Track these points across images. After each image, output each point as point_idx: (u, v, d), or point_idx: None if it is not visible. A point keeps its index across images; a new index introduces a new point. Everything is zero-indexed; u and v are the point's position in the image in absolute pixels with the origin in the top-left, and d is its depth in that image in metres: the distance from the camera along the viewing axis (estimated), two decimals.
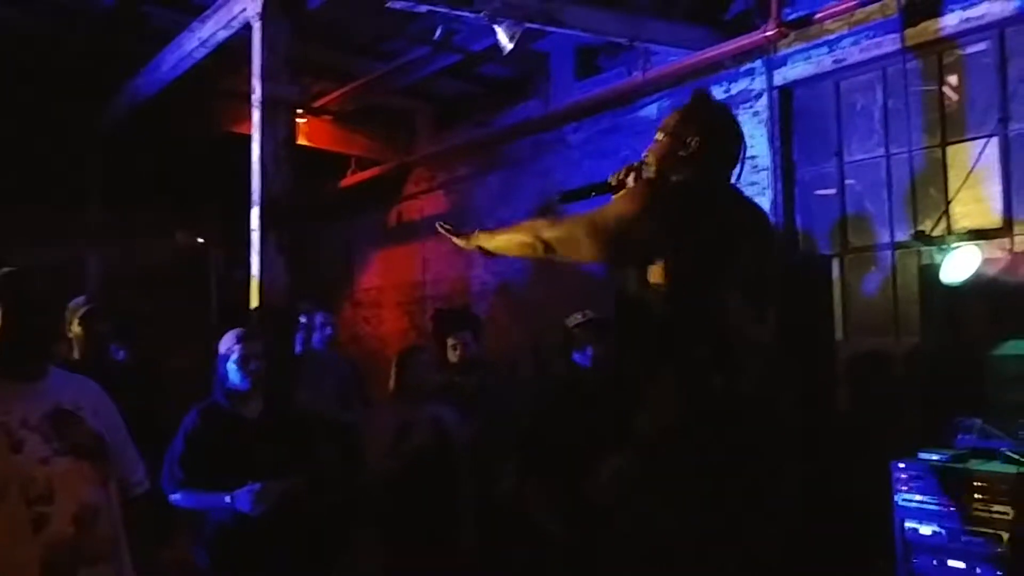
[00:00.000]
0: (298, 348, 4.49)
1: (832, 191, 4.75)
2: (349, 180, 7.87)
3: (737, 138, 2.68)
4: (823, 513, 3.87)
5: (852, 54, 4.50)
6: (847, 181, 4.70)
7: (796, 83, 4.83)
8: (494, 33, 4.52)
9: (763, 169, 4.86)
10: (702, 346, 2.43)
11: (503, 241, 2.73)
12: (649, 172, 2.66)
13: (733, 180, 2.70)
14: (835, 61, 4.58)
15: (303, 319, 4.61)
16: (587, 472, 3.75)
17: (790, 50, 4.75)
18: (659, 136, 2.66)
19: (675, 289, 2.42)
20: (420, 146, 7.44)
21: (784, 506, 2.54)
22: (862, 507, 3.71)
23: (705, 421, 2.39)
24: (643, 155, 2.69)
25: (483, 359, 4.62)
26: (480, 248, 2.77)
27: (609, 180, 2.76)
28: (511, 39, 4.42)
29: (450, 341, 4.34)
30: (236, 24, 4.51)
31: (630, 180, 2.70)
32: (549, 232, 2.56)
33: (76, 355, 3.80)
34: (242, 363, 3.44)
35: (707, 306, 2.46)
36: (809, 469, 3.33)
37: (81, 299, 3.88)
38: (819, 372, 4.37)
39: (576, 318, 4.36)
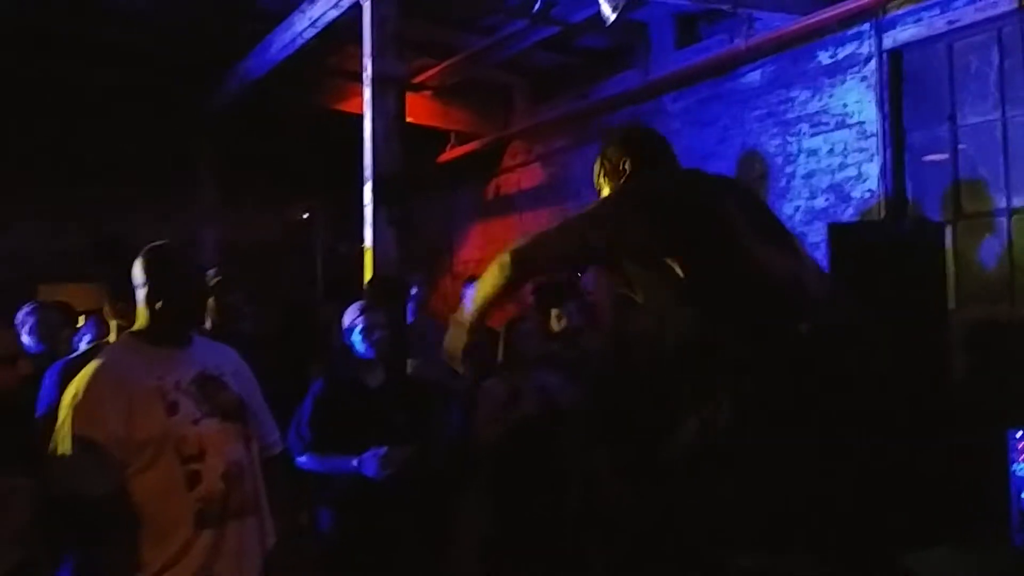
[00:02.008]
0: (410, 318, 4.61)
1: (944, 156, 4.63)
2: (448, 155, 8.00)
3: (659, 143, 2.84)
4: (935, 484, 3.82)
5: (966, 15, 4.36)
6: (960, 146, 4.57)
7: (906, 46, 4.70)
8: (592, 4, 4.53)
9: (872, 135, 4.76)
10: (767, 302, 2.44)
11: (479, 292, 2.64)
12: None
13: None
14: (948, 23, 4.44)
15: (415, 290, 4.72)
16: (660, 438, 3.81)
17: (900, 12, 4.63)
18: (596, 167, 2.82)
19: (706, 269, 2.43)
20: (517, 119, 7.50)
21: (882, 468, 2.50)
22: (978, 477, 3.66)
23: (790, 372, 2.39)
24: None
25: (585, 329, 4.69)
26: (473, 318, 2.66)
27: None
28: (614, 9, 4.43)
29: (555, 312, 4.41)
30: (345, 3, 4.64)
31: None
32: (514, 246, 2.56)
33: (208, 325, 3.97)
34: (366, 333, 3.60)
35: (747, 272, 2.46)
36: (919, 437, 3.28)
37: (212, 271, 4.05)
38: (931, 341, 4.30)
39: None
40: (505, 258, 2.52)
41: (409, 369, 4.18)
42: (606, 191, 2.76)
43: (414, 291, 4.74)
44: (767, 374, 2.39)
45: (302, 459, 3.46)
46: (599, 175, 2.80)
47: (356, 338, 3.59)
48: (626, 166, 2.69)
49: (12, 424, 2.26)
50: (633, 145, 2.76)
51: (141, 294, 2.51)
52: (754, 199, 2.85)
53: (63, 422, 2.36)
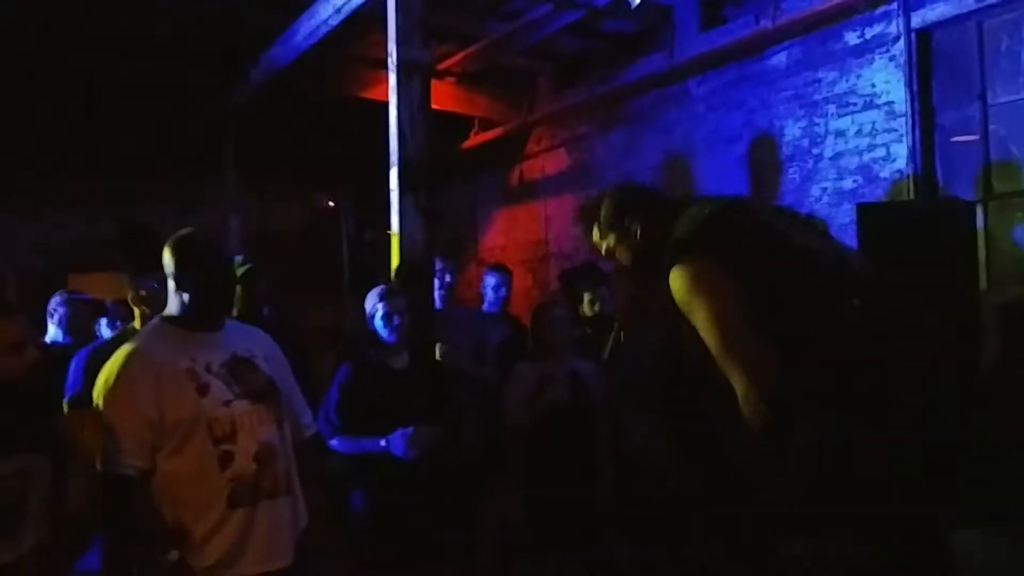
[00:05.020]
0: (440, 304, 4.61)
1: (974, 136, 4.57)
2: (472, 141, 8.00)
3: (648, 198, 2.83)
4: (967, 468, 3.79)
5: None
6: (990, 125, 4.51)
7: (935, 25, 4.64)
8: None
9: (900, 116, 4.71)
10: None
11: None
12: (627, 262, 2.79)
13: None
14: (977, 0, 4.38)
15: (448, 278, 4.71)
16: (725, 427, 3.80)
17: None
18: (605, 240, 2.81)
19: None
20: (541, 105, 7.48)
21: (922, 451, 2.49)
22: (1010, 460, 3.63)
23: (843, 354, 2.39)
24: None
25: (613, 314, 4.68)
26: None
27: None
28: None
29: (587, 296, 4.41)
30: None
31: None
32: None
33: (235, 312, 4.00)
34: (387, 319, 3.62)
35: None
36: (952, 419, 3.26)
37: (238, 258, 4.09)
38: (961, 322, 4.25)
39: None
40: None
41: (438, 354, 4.19)
42: (621, 254, 2.78)
43: (448, 279, 4.74)
44: (821, 352, 2.39)
45: (333, 442, 3.51)
46: (609, 239, 2.80)
47: (378, 323, 3.61)
48: (637, 228, 2.72)
49: (23, 410, 2.29)
50: (631, 205, 2.78)
51: (171, 281, 2.54)
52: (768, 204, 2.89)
53: (96, 405, 2.40)
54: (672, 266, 2.47)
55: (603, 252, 2.85)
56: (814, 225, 2.76)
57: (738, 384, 2.31)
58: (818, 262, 2.48)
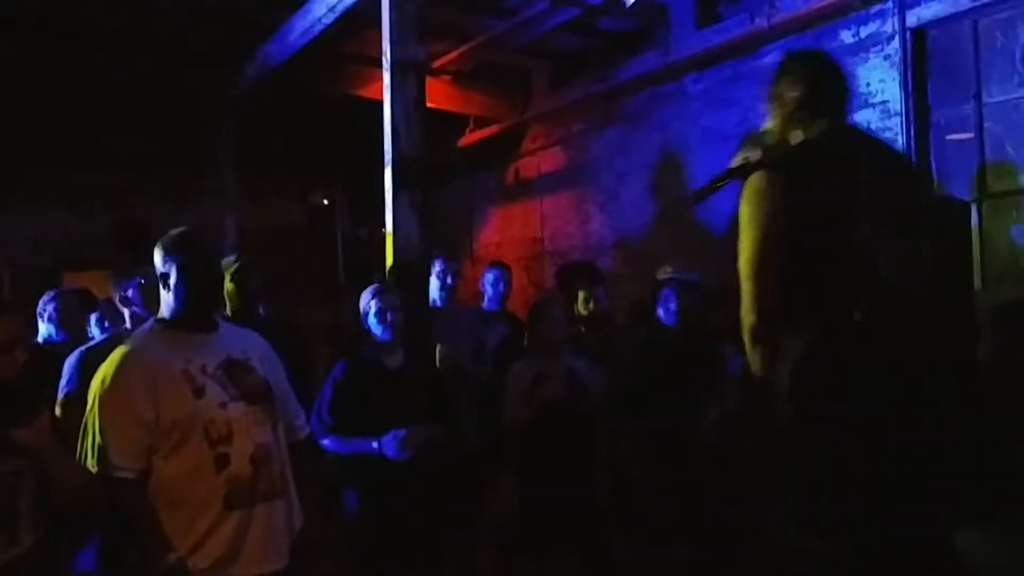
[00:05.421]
0: (441, 304, 4.61)
1: (970, 135, 4.57)
2: (467, 139, 7.99)
3: (835, 77, 2.69)
4: (965, 467, 3.80)
5: None
6: (985, 124, 4.51)
7: (930, 24, 4.64)
8: None
9: (895, 114, 4.71)
10: (839, 284, 2.45)
11: None
12: (769, 140, 2.69)
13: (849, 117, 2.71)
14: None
15: (450, 279, 4.70)
16: (684, 421, 3.84)
17: None
18: (767, 106, 2.73)
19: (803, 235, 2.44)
20: (537, 103, 7.47)
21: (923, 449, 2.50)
22: (1004, 461, 3.63)
23: (845, 354, 2.40)
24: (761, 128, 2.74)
25: (609, 314, 4.69)
26: None
27: (731, 166, 2.76)
28: None
29: (582, 295, 4.41)
30: None
31: (754, 155, 2.70)
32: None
33: (228, 311, 3.98)
34: (380, 316, 3.61)
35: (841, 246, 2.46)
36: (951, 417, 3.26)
37: (232, 257, 4.07)
38: (956, 321, 4.26)
39: (665, 272, 4.40)
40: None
41: (439, 354, 4.19)
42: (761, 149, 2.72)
43: (449, 280, 4.73)
44: (831, 342, 2.42)
45: (325, 441, 3.48)
46: (769, 119, 2.73)
47: (372, 321, 3.61)
48: (792, 99, 2.64)
49: (14, 411, 2.29)
50: (799, 79, 2.65)
51: (162, 282, 2.54)
52: (907, 185, 2.77)
53: (92, 407, 2.39)
54: (754, 171, 2.54)
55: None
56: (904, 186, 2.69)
57: (743, 298, 2.47)
58: (849, 257, 2.47)
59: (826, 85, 2.66)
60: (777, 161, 2.56)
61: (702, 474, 3.95)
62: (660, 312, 4.34)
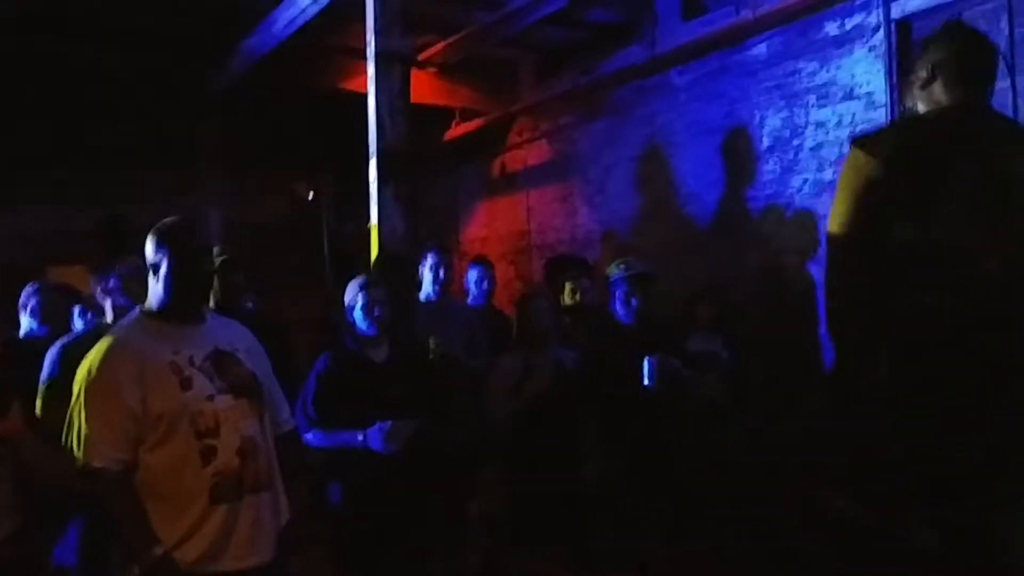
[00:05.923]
0: (434, 297, 4.59)
1: None
2: (453, 132, 7.96)
3: (977, 53, 2.65)
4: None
5: None
6: None
7: (915, 15, 4.65)
8: None
9: (880, 106, 4.72)
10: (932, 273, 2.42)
11: None
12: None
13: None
14: None
15: (442, 272, 4.66)
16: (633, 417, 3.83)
17: None
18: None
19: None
20: (523, 96, 7.45)
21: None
22: None
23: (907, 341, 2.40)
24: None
25: (596, 306, 4.68)
26: None
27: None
28: None
29: (569, 286, 4.41)
30: None
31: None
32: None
33: (212, 304, 3.95)
34: (367, 310, 3.60)
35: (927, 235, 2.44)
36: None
37: (216, 250, 4.04)
38: None
39: (618, 269, 4.36)
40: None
41: (432, 347, 4.18)
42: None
43: (442, 273, 4.70)
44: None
45: (309, 435, 3.46)
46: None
47: (358, 315, 3.59)
48: (924, 73, 2.65)
49: None
50: (936, 52, 2.64)
51: (152, 271, 2.51)
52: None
53: (77, 398, 2.37)
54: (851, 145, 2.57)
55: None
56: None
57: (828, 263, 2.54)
58: (925, 255, 2.42)
59: (964, 57, 2.62)
60: (876, 140, 2.58)
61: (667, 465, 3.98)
62: (618, 309, 4.31)
